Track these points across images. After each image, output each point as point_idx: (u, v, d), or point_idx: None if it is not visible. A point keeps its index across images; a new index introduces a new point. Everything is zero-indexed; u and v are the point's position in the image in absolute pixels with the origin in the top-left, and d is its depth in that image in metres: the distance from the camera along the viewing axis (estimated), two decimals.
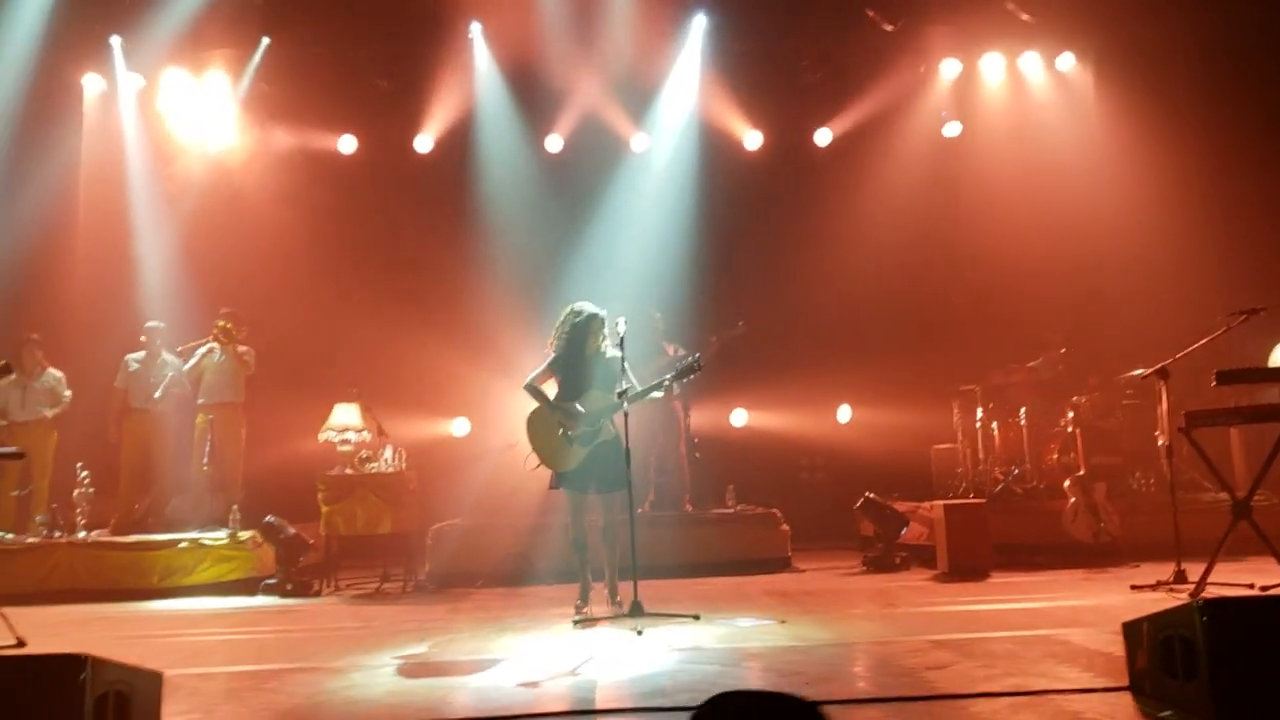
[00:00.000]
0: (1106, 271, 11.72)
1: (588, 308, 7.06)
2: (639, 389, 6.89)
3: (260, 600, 8.98)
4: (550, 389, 7.13)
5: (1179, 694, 3.81)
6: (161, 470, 10.30)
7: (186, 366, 10.09)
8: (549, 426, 7.00)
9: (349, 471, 9.46)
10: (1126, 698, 4.09)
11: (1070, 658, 4.93)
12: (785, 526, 9.80)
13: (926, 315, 12.10)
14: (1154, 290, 11.27)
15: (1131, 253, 11.44)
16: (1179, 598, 6.93)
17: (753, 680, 4.88)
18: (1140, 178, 11.38)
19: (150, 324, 10.38)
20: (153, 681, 3.95)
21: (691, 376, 6.93)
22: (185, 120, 12.19)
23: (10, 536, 9.50)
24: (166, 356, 10.31)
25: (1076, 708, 3.97)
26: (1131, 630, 4.19)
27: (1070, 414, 9.77)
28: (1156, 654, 3.97)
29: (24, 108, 11.08)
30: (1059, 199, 11.83)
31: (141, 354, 10.30)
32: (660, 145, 12.66)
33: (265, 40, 11.90)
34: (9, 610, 6.87)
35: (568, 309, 7.13)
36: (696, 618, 6.58)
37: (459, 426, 12.40)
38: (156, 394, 10.10)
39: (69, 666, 3.45)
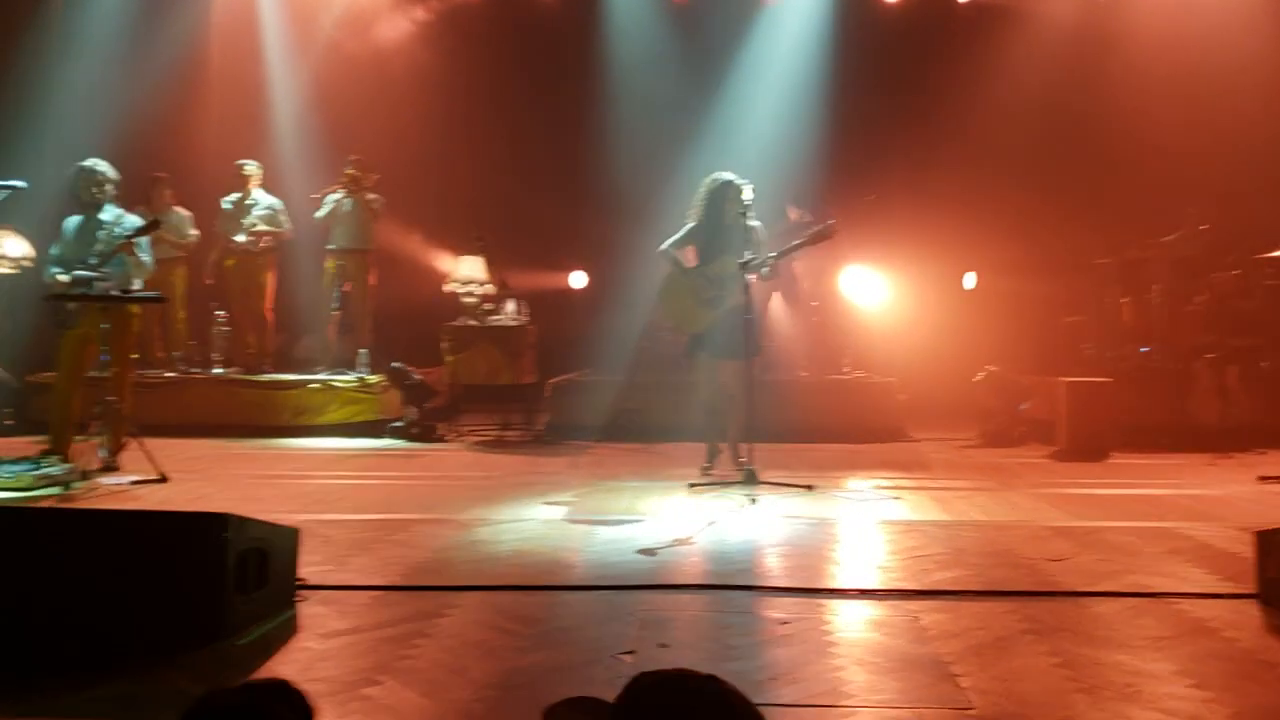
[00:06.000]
0: (1256, 147, 11.00)
1: (724, 175, 6.99)
2: (759, 259, 6.80)
3: (386, 442, 9.29)
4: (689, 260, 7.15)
5: None
6: (262, 310, 10.44)
7: (318, 215, 10.21)
8: (682, 289, 7.09)
9: (472, 323, 9.62)
10: (1253, 607, 3.99)
11: (1193, 556, 4.82)
12: (902, 396, 9.69)
13: (1061, 184, 11.55)
14: None
15: None
16: None
17: (871, 562, 4.91)
18: None
19: (242, 163, 10.35)
20: (289, 538, 4.14)
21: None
22: None
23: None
24: (257, 196, 10.32)
25: (1200, 614, 3.89)
26: (1267, 539, 4.07)
27: (1206, 292, 9.39)
28: None
29: None
30: (1211, 67, 11.02)
31: (236, 195, 10.35)
32: None
33: None
34: (150, 442, 7.24)
35: (708, 178, 7.08)
36: (810, 488, 6.60)
37: (577, 279, 12.48)
38: (239, 236, 10.19)
39: (215, 525, 3.66)
